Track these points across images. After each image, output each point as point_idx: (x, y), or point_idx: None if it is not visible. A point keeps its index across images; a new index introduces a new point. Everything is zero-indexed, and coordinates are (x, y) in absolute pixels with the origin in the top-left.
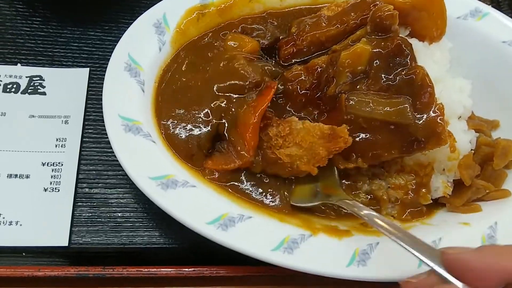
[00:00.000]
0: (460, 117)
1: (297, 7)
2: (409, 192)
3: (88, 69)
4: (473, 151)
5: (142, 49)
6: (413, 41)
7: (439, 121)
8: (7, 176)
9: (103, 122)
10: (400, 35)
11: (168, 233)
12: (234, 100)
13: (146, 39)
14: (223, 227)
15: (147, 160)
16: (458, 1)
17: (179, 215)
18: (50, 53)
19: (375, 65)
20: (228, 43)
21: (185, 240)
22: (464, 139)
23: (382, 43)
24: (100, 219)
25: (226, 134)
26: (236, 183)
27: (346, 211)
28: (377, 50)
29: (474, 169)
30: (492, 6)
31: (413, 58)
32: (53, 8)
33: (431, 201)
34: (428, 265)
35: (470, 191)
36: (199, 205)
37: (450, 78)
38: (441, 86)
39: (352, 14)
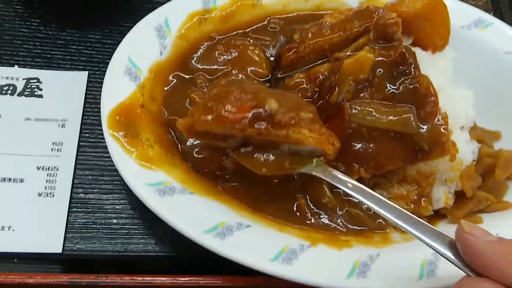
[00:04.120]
0: (463, 127)
1: (300, 13)
2: (411, 202)
3: (87, 72)
4: (475, 162)
5: (142, 53)
6: (416, 50)
7: (443, 130)
8: (1, 180)
9: (101, 126)
10: (403, 44)
11: (164, 241)
12: None
13: (147, 43)
14: (220, 236)
15: None
16: (462, 11)
17: (176, 223)
18: (48, 55)
19: (378, 73)
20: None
21: (182, 248)
22: (466, 149)
23: (385, 52)
24: (95, 226)
25: None
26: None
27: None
28: (380, 58)
29: (476, 180)
30: (495, 17)
31: (417, 67)
32: (53, 10)
33: (432, 213)
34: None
35: (472, 203)
36: (197, 212)
37: (453, 88)
38: (444, 95)
39: (355, 21)
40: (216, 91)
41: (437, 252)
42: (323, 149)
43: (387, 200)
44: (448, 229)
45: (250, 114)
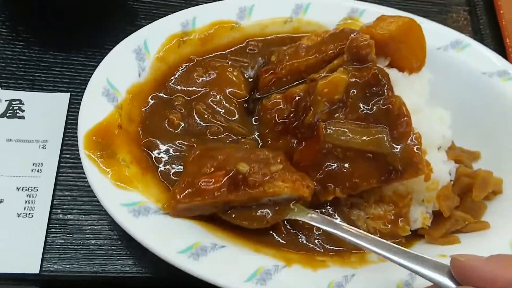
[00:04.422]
0: (440, 147)
1: (279, 35)
2: (388, 222)
3: (68, 94)
4: (452, 182)
5: (121, 75)
6: (393, 72)
7: (416, 150)
8: None
9: None
10: (378, 65)
11: (142, 262)
12: None
13: (125, 65)
14: (194, 256)
15: None
16: (439, 32)
17: (150, 243)
18: (31, 77)
19: (352, 94)
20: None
21: (160, 269)
22: (443, 169)
23: (359, 73)
24: (73, 246)
25: None
26: None
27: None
28: (354, 79)
29: (453, 200)
30: (475, 39)
31: (390, 88)
32: (37, 33)
33: (410, 233)
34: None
35: (449, 223)
36: (171, 233)
37: (429, 109)
38: (420, 116)
39: (330, 44)
40: (190, 167)
41: (431, 280)
42: (300, 194)
43: (374, 236)
44: (426, 249)
45: (226, 182)
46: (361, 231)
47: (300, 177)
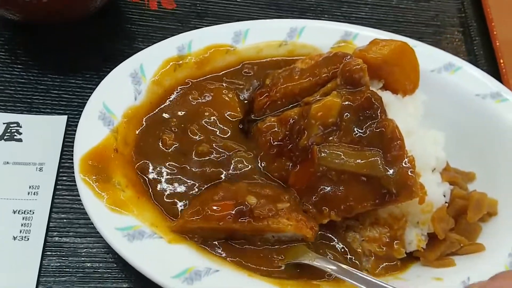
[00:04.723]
0: (434, 169)
1: (274, 58)
2: (383, 245)
3: (66, 116)
4: (447, 204)
5: (117, 98)
6: (386, 94)
7: (410, 173)
8: None
9: None
10: (371, 88)
11: (136, 285)
12: None
13: (122, 89)
14: (188, 281)
15: None
16: (432, 55)
17: (144, 268)
18: (29, 100)
19: (345, 117)
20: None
21: None
22: (437, 191)
23: (352, 96)
24: (68, 269)
25: None
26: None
27: None
28: (347, 103)
29: (448, 223)
30: (469, 59)
31: (383, 111)
32: (35, 55)
33: (405, 255)
34: None
35: (444, 245)
36: (166, 257)
37: (423, 131)
38: (414, 138)
39: (323, 67)
40: (203, 194)
41: None
42: (303, 234)
43: (377, 280)
44: (421, 272)
45: (233, 211)
46: (372, 278)
47: (305, 218)
